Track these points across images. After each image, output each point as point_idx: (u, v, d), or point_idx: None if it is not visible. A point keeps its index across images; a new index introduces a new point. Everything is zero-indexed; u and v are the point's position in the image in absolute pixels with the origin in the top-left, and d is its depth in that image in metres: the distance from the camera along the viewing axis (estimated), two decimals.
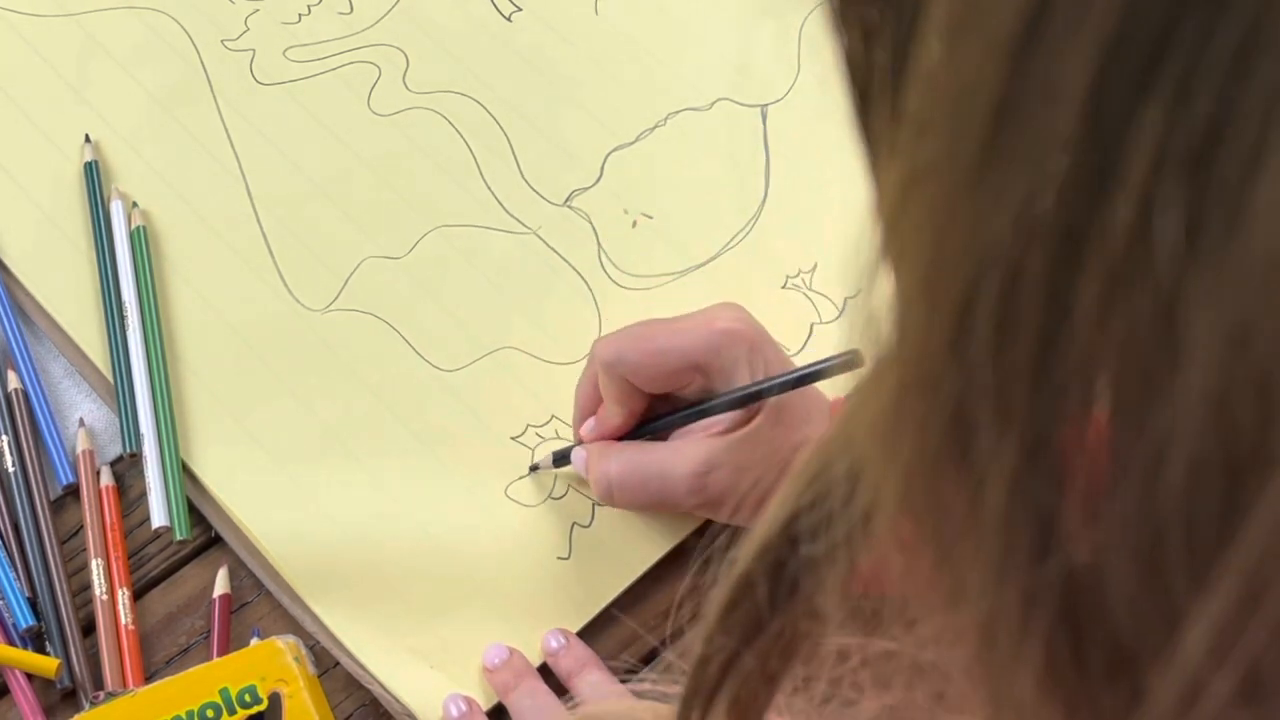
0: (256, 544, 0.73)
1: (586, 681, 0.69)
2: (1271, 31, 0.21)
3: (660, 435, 0.72)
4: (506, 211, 0.83)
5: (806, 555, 0.33)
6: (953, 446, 0.26)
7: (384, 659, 0.70)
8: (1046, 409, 0.25)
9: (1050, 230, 0.24)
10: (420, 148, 0.85)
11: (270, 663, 0.67)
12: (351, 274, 0.81)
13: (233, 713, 0.66)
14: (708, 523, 0.72)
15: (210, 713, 0.66)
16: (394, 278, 0.81)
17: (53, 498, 0.74)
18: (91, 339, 0.78)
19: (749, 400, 0.68)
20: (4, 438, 0.75)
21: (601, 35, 0.90)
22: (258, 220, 0.82)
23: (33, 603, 0.71)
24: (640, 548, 0.74)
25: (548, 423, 0.77)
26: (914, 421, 0.27)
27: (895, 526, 0.29)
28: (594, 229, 0.83)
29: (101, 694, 0.68)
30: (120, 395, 0.76)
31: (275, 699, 0.66)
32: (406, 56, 0.89)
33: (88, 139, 0.84)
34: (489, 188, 0.84)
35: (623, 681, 0.54)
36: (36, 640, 0.71)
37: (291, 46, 0.89)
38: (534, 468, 0.75)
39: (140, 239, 0.80)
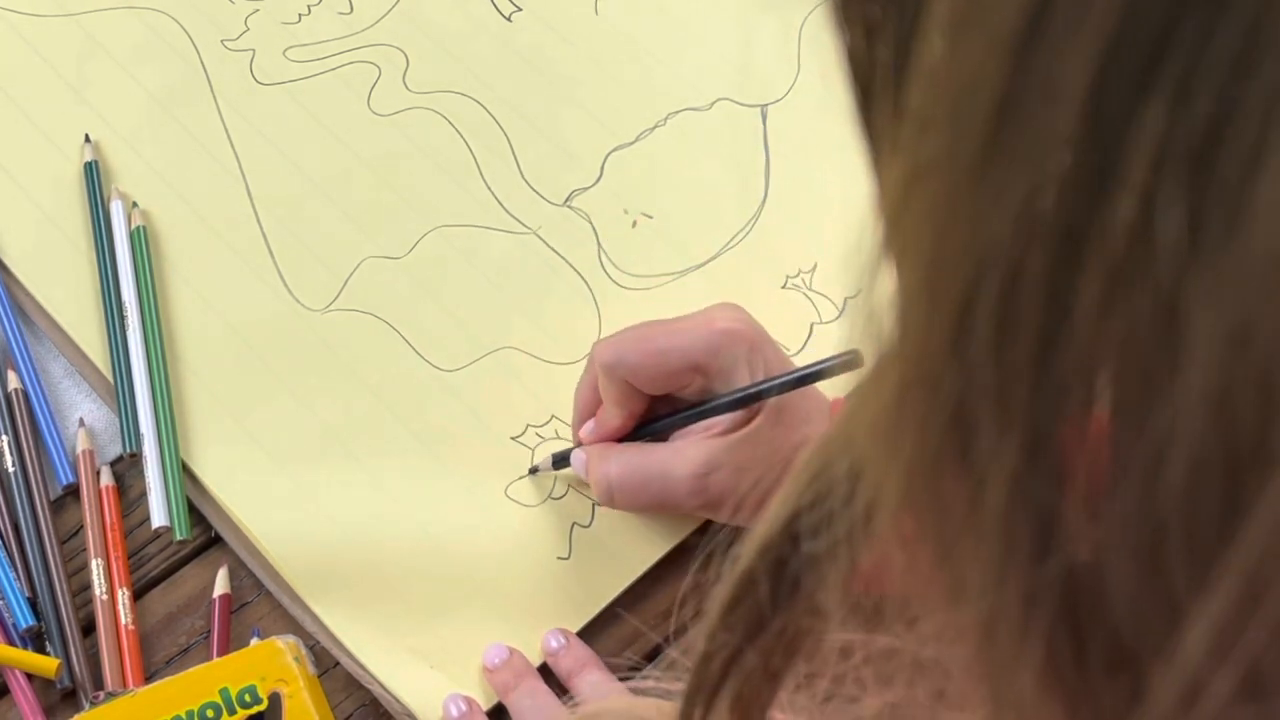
0: (256, 544, 0.73)
1: (586, 681, 0.69)
2: (1272, 31, 0.21)
3: (660, 436, 0.72)
4: (506, 211, 0.83)
5: (808, 553, 0.33)
6: (953, 445, 0.26)
7: (384, 659, 0.70)
8: (1047, 408, 0.25)
9: (1051, 228, 0.24)
10: (420, 148, 0.85)
11: (270, 663, 0.67)
12: (351, 274, 0.81)
13: (233, 713, 0.66)
14: (708, 522, 0.72)
15: (210, 713, 0.66)
16: (394, 278, 0.81)
17: (53, 498, 0.74)
18: (91, 339, 0.78)
19: (749, 401, 0.68)
20: (4, 438, 0.75)
21: (601, 35, 0.90)
22: (258, 220, 0.82)
23: (33, 603, 0.71)
24: (640, 548, 0.74)
25: (548, 423, 0.77)
26: (915, 420, 0.27)
27: (896, 525, 0.29)
28: (594, 229, 0.83)
29: (101, 694, 0.68)
30: (120, 395, 0.76)
31: (275, 699, 0.66)
32: (406, 56, 0.89)
33: (88, 139, 0.84)
34: (489, 188, 0.84)
35: (625, 679, 0.54)
36: (36, 640, 0.71)
37: (291, 46, 0.89)
38: (533, 470, 0.75)
39: (140, 239, 0.80)
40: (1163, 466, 0.23)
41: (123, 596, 0.71)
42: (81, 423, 0.77)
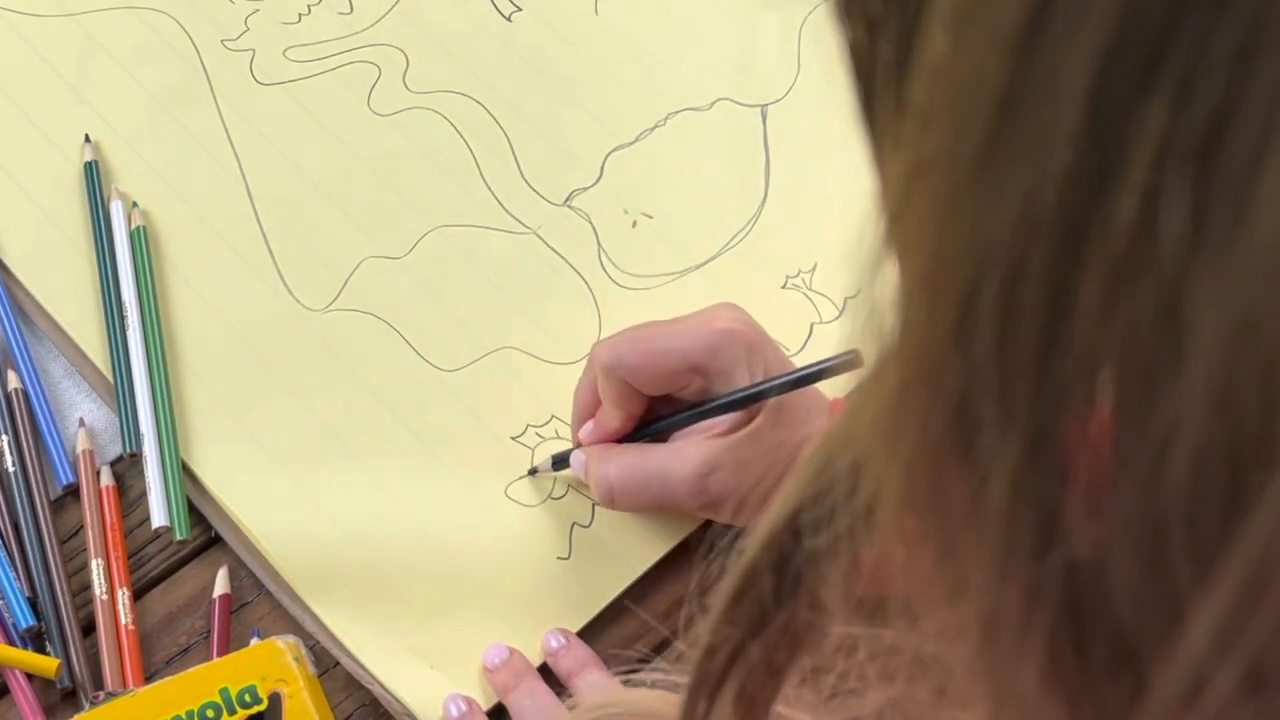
0: (256, 544, 0.73)
1: (586, 681, 0.69)
2: (1273, 27, 0.21)
3: (660, 437, 0.72)
4: (506, 211, 0.83)
5: (810, 548, 0.33)
6: (955, 441, 0.26)
7: (384, 659, 0.70)
8: (1049, 404, 0.25)
9: (1053, 225, 0.24)
10: (420, 148, 0.85)
11: (270, 663, 0.67)
12: (351, 274, 0.81)
13: (233, 713, 0.66)
14: (708, 522, 0.72)
15: (210, 713, 0.66)
16: (394, 278, 0.81)
17: (53, 498, 0.74)
18: (91, 339, 0.78)
19: (749, 401, 0.68)
20: (4, 438, 0.75)
21: (601, 35, 0.90)
22: (258, 220, 0.82)
23: (33, 603, 0.71)
24: (640, 548, 0.74)
25: (548, 423, 0.77)
26: (916, 416, 0.27)
27: (898, 521, 0.29)
28: (594, 229, 0.83)
29: (101, 694, 0.68)
30: (120, 395, 0.76)
31: (275, 699, 0.66)
32: (406, 56, 0.89)
33: (88, 139, 0.84)
34: (489, 188, 0.84)
35: (634, 671, 0.54)
36: (36, 640, 0.71)
37: (291, 46, 0.89)
38: (533, 471, 0.75)
39: (140, 239, 0.80)
40: (1165, 462, 0.23)
41: (123, 596, 0.71)
42: (81, 423, 0.77)
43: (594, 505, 0.74)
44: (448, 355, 0.79)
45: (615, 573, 0.73)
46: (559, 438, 0.76)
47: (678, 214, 0.84)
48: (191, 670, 0.67)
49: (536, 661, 0.70)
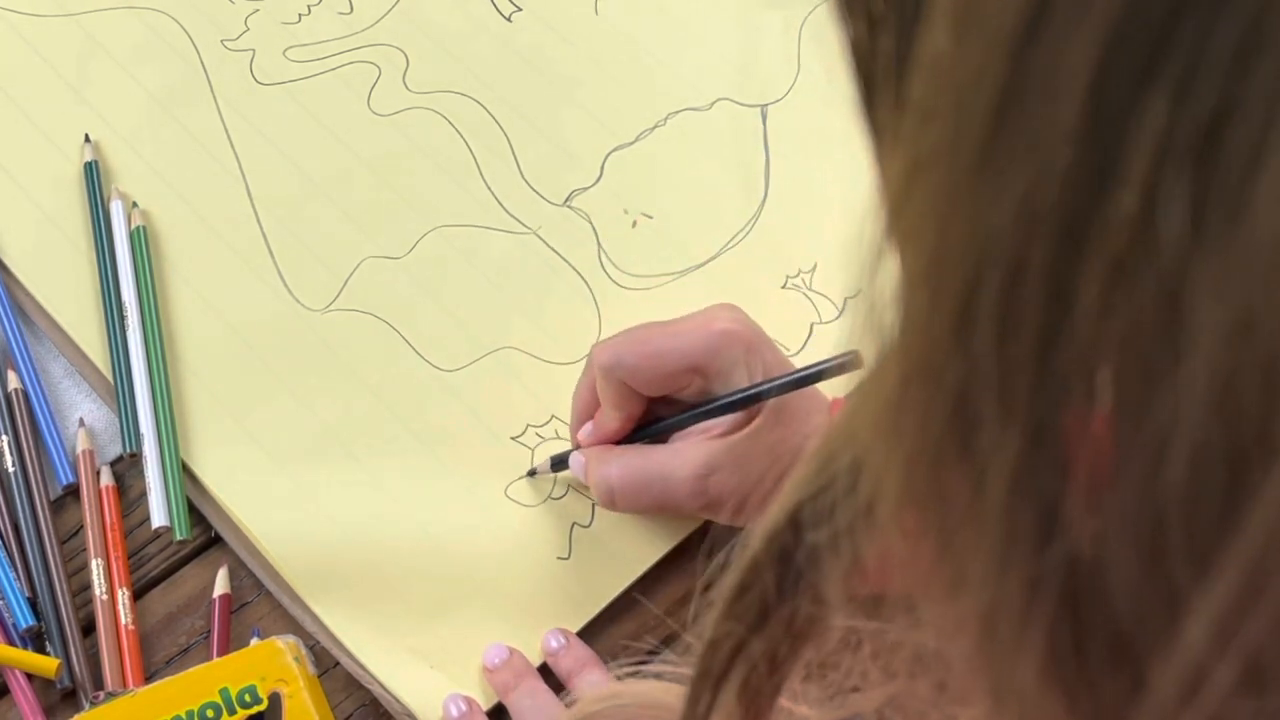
0: (256, 544, 0.73)
1: (586, 681, 0.69)
2: (1274, 24, 0.21)
3: (659, 438, 0.72)
4: (506, 211, 0.83)
5: (811, 544, 0.33)
6: (955, 437, 0.26)
7: (384, 659, 0.70)
8: (1049, 400, 0.25)
9: (1053, 221, 0.24)
10: (420, 148, 0.85)
11: (270, 663, 0.67)
12: (351, 274, 0.81)
13: (233, 713, 0.66)
14: (708, 522, 0.72)
15: (210, 713, 0.66)
16: (394, 278, 0.81)
17: (53, 498, 0.74)
18: (91, 339, 0.78)
19: (748, 402, 0.68)
20: (4, 438, 0.75)
21: (601, 35, 0.90)
22: (258, 220, 0.82)
23: (33, 603, 0.71)
24: (640, 548, 0.74)
25: (548, 423, 0.77)
26: (916, 412, 0.27)
27: (898, 517, 0.29)
28: (594, 229, 0.83)
29: (101, 694, 0.68)
30: (120, 395, 0.76)
31: (275, 699, 0.66)
32: (406, 56, 0.89)
33: (88, 139, 0.84)
34: (489, 188, 0.84)
35: (643, 664, 0.54)
36: (36, 640, 0.71)
37: (291, 46, 0.89)
38: (532, 472, 0.75)
39: (140, 239, 0.80)
40: (1165, 457, 0.23)
41: (123, 596, 0.71)
42: (81, 423, 0.77)
43: (594, 505, 0.74)
44: (448, 355, 0.79)
45: (615, 573, 0.73)
46: (559, 438, 0.76)
47: (678, 214, 0.84)
48: (191, 670, 0.67)
49: (536, 661, 0.70)
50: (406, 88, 0.87)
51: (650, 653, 0.69)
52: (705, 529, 0.73)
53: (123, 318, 0.78)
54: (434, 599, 0.71)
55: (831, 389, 0.69)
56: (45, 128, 0.85)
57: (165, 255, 0.81)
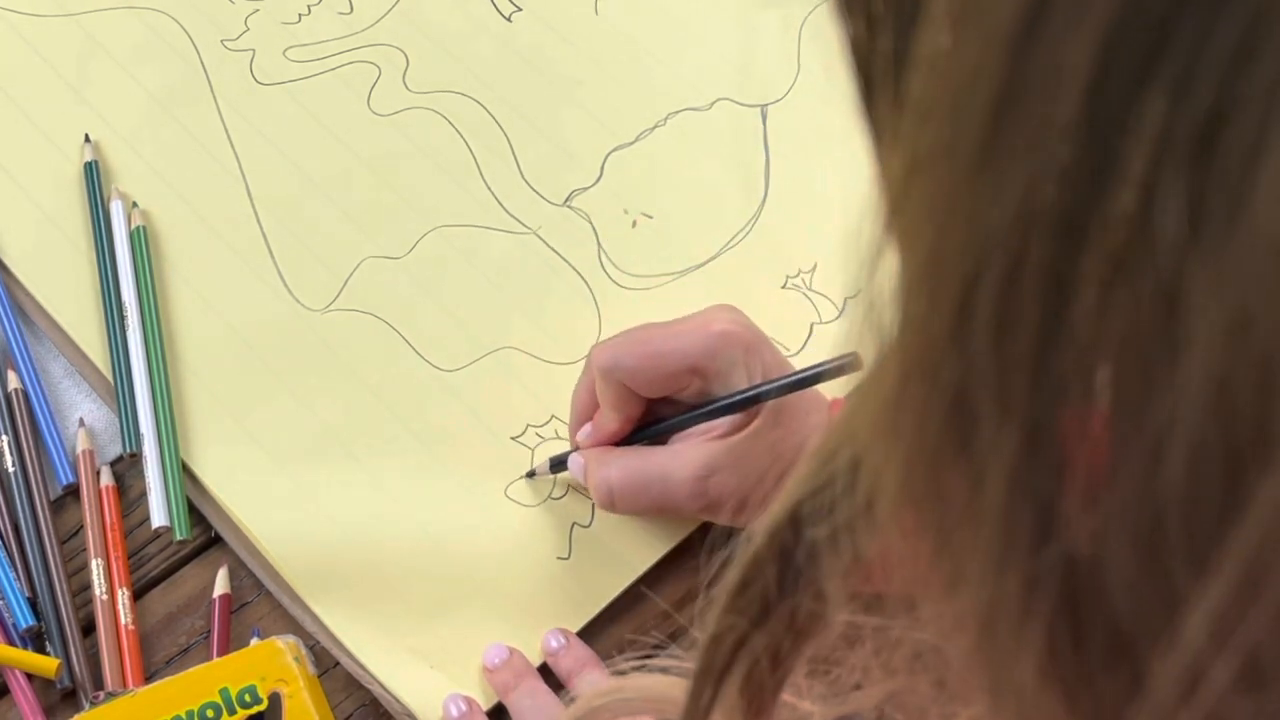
0: (256, 544, 0.73)
1: (586, 681, 0.69)
2: (1274, 22, 0.21)
3: (658, 439, 0.72)
4: (506, 211, 0.83)
5: (811, 541, 0.34)
6: (953, 435, 0.26)
7: (384, 659, 0.70)
8: (1047, 398, 0.25)
9: (1051, 220, 0.24)
10: (420, 148, 0.85)
11: (270, 663, 0.67)
12: (351, 274, 0.81)
13: (233, 713, 0.66)
14: (708, 522, 0.72)
15: (210, 713, 0.66)
16: (394, 278, 0.81)
17: (53, 498, 0.74)
18: (91, 339, 0.78)
19: (747, 404, 0.68)
20: (4, 438, 0.75)
21: (601, 35, 0.90)
22: (258, 220, 0.82)
23: (33, 603, 0.71)
24: (640, 548, 0.74)
25: (548, 423, 0.77)
26: (914, 410, 0.27)
27: (897, 514, 0.29)
28: (594, 229, 0.83)
29: (101, 694, 0.68)
30: (120, 395, 0.76)
31: (275, 699, 0.66)
32: (406, 56, 0.89)
33: (88, 139, 0.84)
34: (489, 188, 0.84)
35: (649, 657, 0.54)
36: (36, 640, 0.71)
37: (291, 46, 0.89)
38: (531, 474, 0.75)
39: (140, 239, 0.80)
40: (1162, 455, 0.23)
41: (123, 596, 0.71)
42: (81, 423, 0.77)
43: (594, 505, 0.74)
44: (448, 355, 0.79)
45: (615, 573, 0.73)
46: (559, 438, 0.76)
47: (678, 214, 0.84)
48: (191, 670, 0.67)
49: (536, 661, 0.70)
50: (406, 88, 0.88)
51: (656, 647, 0.68)
52: (706, 529, 0.73)
53: (123, 318, 0.78)
54: (434, 599, 0.71)
55: (831, 389, 0.69)
56: (45, 128, 0.85)
57: (165, 255, 0.81)
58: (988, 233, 0.25)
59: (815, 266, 0.82)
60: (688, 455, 0.70)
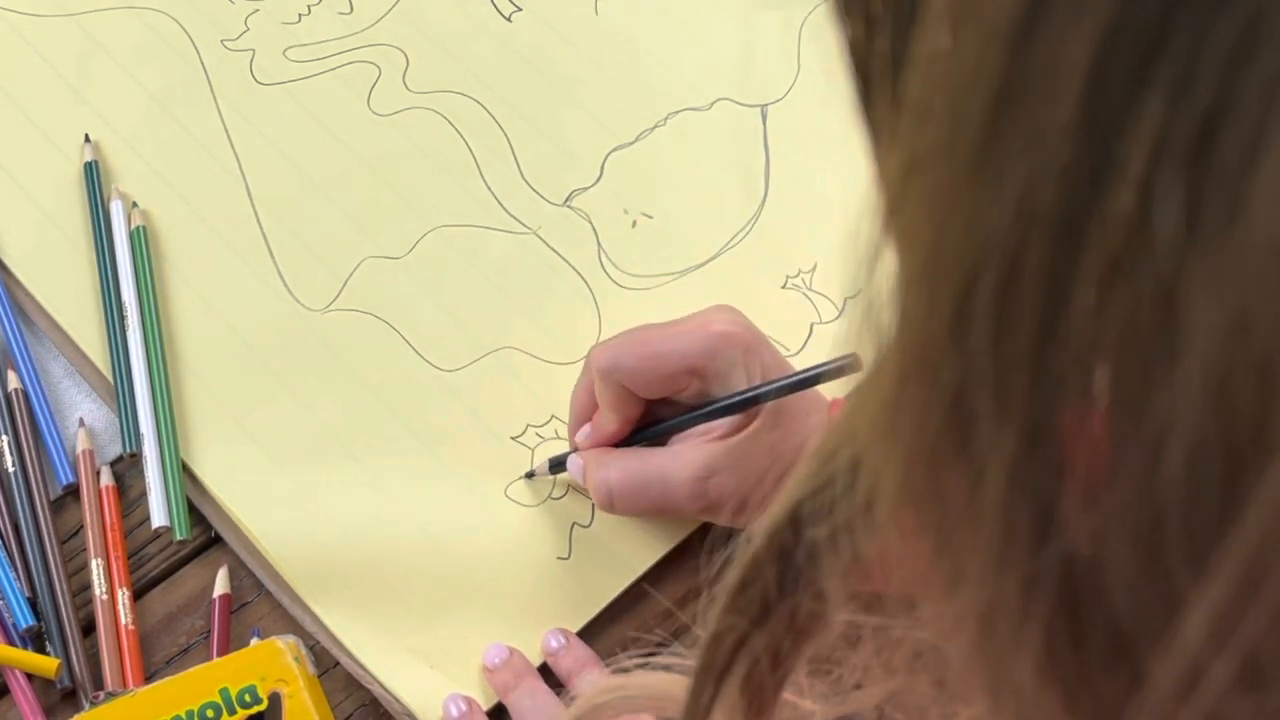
0: (256, 544, 0.73)
1: (586, 681, 0.69)
2: (1273, 21, 0.21)
3: (657, 441, 0.72)
4: (506, 211, 0.83)
5: (811, 540, 0.34)
6: (952, 434, 0.26)
7: (384, 659, 0.70)
8: (1046, 397, 0.25)
9: (1049, 219, 0.24)
10: (420, 148, 0.85)
11: (270, 663, 0.67)
12: (351, 274, 0.81)
13: (233, 713, 0.66)
14: (707, 523, 0.72)
15: (210, 713, 0.66)
16: (394, 278, 0.81)
17: (53, 498, 0.74)
18: (91, 339, 0.78)
19: (747, 405, 0.68)
20: (4, 438, 0.75)
21: (601, 35, 0.90)
22: (258, 220, 0.82)
23: (33, 603, 0.71)
24: (640, 548, 0.74)
25: (547, 423, 0.77)
26: (913, 410, 0.27)
27: (896, 514, 0.29)
28: (594, 229, 0.83)
29: (101, 694, 0.68)
30: (120, 395, 0.76)
31: (275, 699, 0.66)
32: (406, 56, 0.89)
33: (88, 139, 0.84)
34: (489, 188, 0.84)
35: (652, 655, 0.55)
36: (36, 640, 0.71)
37: (291, 46, 0.89)
38: (530, 475, 0.75)
39: (140, 239, 0.80)
40: (1161, 454, 0.23)
41: (123, 596, 0.71)
42: (81, 423, 0.77)
43: (593, 505, 0.74)
44: (448, 355, 0.79)
45: (615, 573, 0.73)
46: (559, 438, 0.76)
47: (678, 214, 0.84)
48: (191, 670, 0.67)
49: (536, 661, 0.70)
50: (406, 88, 0.88)
51: (659, 645, 0.69)
52: (706, 529, 0.73)
53: (123, 318, 0.78)
54: (434, 599, 0.71)
55: (830, 390, 0.69)
56: (45, 128, 0.85)
57: (165, 255, 0.81)
58: (986, 233, 0.25)
59: (815, 266, 0.82)
60: (687, 456, 0.70)
